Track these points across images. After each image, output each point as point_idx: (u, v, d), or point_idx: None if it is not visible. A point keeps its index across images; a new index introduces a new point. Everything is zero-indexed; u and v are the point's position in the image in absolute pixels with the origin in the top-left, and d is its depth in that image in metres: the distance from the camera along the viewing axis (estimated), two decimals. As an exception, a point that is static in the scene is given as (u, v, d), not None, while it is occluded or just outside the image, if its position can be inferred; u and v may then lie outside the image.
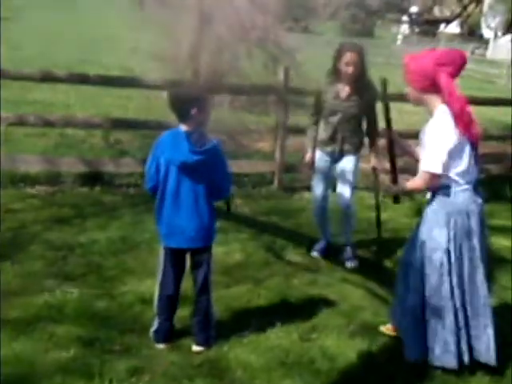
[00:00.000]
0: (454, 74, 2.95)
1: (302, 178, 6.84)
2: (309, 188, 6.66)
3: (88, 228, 4.97)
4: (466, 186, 3.05)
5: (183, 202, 3.15)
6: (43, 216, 5.13)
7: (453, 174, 3.02)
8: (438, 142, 2.96)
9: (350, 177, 4.55)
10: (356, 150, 4.60)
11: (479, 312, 3.12)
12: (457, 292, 3.07)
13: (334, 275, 4.47)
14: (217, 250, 3.37)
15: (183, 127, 3.13)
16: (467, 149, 3.02)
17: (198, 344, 3.34)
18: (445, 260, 3.05)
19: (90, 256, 4.45)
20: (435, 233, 3.07)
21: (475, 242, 3.07)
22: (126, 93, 9.72)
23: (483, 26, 53.07)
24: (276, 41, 12.48)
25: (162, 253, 3.31)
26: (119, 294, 3.90)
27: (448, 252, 3.05)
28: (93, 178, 6.15)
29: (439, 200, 3.09)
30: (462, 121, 2.93)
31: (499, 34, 49.54)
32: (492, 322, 3.15)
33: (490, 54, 37.87)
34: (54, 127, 6.34)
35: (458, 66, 2.96)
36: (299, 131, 6.73)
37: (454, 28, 55.59)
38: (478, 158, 3.11)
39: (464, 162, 3.01)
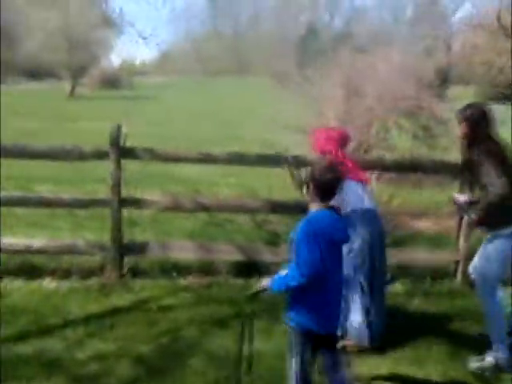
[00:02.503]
0: (341, 145, 4.18)
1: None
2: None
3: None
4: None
5: (337, 283, 3.06)
6: (200, 316, 4.48)
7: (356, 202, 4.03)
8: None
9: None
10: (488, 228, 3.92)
11: None
12: None
13: None
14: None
15: (323, 205, 3.01)
16: (360, 188, 4.12)
17: None
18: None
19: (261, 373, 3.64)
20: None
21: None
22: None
23: None
24: (429, 110, 11.61)
25: (297, 339, 3.05)
26: None
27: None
28: (248, 268, 5.47)
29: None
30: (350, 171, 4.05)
31: None
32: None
33: None
34: (208, 211, 5.79)
35: (343, 141, 4.22)
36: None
37: None
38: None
39: (360, 195, 4.09)
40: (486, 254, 3.87)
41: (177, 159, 5.45)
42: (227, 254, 5.50)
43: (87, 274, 5.25)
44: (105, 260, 5.32)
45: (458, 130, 4.01)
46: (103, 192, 8.03)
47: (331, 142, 4.14)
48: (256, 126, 17.33)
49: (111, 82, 40.72)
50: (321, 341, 3.06)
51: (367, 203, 4.12)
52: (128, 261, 5.32)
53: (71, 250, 5.31)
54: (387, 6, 64.46)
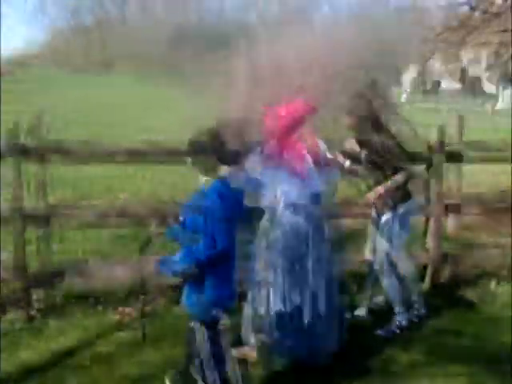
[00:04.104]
0: (290, 124, 3.49)
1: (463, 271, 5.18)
2: (473, 283, 5.06)
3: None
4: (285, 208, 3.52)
5: (235, 256, 2.90)
6: (153, 366, 3.38)
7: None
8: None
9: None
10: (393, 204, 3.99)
11: None
12: None
13: None
14: None
15: (215, 177, 2.83)
16: (283, 179, 3.48)
17: None
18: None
19: None
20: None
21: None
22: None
23: (484, 80, 53.23)
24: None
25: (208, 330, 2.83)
26: None
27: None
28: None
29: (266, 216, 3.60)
30: (276, 157, 3.50)
31: (501, 87, 49.58)
32: None
33: (499, 106, 37.19)
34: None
35: (292, 118, 3.50)
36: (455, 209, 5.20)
37: (454, 84, 55.97)
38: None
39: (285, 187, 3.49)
40: (387, 232, 4.02)
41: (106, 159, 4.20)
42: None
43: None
44: (3, 299, 4.01)
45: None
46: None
47: (278, 122, 3.49)
48: (139, 124, 16.06)
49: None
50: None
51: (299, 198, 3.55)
52: (37, 296, 4.05)
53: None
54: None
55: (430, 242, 4.88)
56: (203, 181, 2.84)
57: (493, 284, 5.03)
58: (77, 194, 7.92)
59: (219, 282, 2.80)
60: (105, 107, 22.26)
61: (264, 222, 3.62)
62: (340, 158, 4.07)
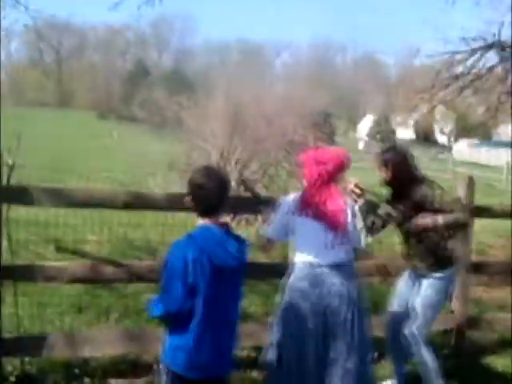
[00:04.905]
0: (331, 171, 3.12)
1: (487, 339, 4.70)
2: (496, 348, 4.59)
3: None
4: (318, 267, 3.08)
5: (226, 319, 2.47)
6: None
7: (301, 251, 3.13)
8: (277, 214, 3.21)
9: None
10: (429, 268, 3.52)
11: None
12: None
13: None
14: None
15: (209, 221, 2.44)
16: (318, 232, 3.08)
17: None
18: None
19: None
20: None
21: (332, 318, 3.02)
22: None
23: (436, 131, 54.94)
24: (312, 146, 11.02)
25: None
26: None
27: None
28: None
29: (293, 275, 3.14)
30: (313, 207, 3.10)
31: (452, 139, 51.22)
32: None
33: (454, 157, 38.36)
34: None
35: (334, 163, 3.13)
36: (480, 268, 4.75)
37: (409, 134, 57.63)
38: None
39: (312, 242, 3.09)
40: (429, 301, 3.54)
41: (97, 203, 3.53)
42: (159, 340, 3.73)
43: None
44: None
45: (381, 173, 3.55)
46: None
47: (317, 169, 3.12)
48: (103, 162, 15.39)
49: None
50: None
51: (329, 256, 3.08)
52: (13, 365, 3.32)
53: None
54: (214, 49, 65.91)
55: (455, 303, 4.41)
56: (198, 224, 2.49)
57: (517, 351, 4.60)
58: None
59: (187, 338, 2.39)
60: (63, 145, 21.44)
61: (292, 280, 3.10)
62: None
